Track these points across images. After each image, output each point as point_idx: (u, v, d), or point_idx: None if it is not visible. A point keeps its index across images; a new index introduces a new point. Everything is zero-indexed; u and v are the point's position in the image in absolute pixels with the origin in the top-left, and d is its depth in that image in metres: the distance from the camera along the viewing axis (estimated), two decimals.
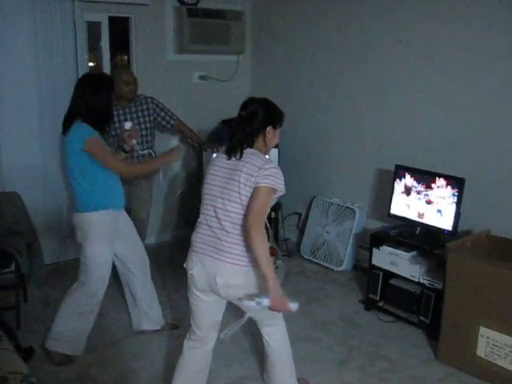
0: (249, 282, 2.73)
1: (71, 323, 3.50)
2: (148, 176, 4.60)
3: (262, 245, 2.57)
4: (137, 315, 3.93)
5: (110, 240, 3.52)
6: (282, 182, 2.69)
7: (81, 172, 3.35)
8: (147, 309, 3.90)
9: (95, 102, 3.31)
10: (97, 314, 3.61)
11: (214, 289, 2.75)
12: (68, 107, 3.41)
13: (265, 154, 2.80)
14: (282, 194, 2.71)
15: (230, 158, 2.73)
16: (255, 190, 2.62)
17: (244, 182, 2.63)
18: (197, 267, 2.77)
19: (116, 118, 4.55)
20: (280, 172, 2.69)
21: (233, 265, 2.68)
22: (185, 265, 2.86)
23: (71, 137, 3.30)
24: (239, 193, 2.64)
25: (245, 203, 2.64)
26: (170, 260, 5.42)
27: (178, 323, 4.03)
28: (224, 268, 2.69)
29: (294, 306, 2.73)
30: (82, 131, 3.29)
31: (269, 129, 2.75)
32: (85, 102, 3.31)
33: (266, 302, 2.61)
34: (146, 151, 4.36)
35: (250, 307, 2.67)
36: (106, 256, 3.50)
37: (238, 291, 2.73)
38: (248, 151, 2.71)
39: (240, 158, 2.69)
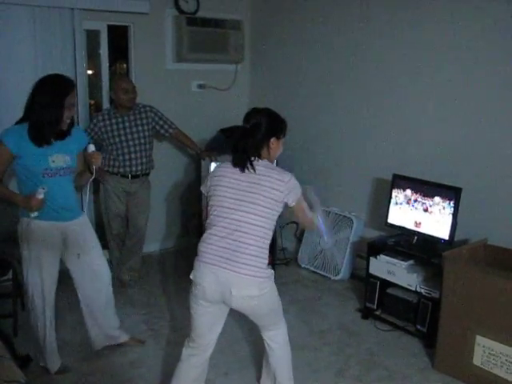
0: (263, 293, 2.75)
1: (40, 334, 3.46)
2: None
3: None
4: (95, 334, 3.74)
5: (42, 249, 3.31)
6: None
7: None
8: (103, 327, 3.74)
9: (37, 102, 3.14)
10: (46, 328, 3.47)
11: (227, 300, 2.75)
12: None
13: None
14: None
15: (243, 171, 2.74)
16: (295, 207, 2.80)
17: (269, 195, 2.70)
18: (209, 279, 2.74)
19: (115, 126, 4.58)
20: (294, 177, 2.80)
21: (249, 276, 2.69)
22: (191, 276, 2.83)
23: None
24: (264, 206, 2.69)
25: (268, 215, 2.71)
26: (173, 268, 5.42)
27: (175, 332, 4.02)
28: (240, 280, 2.70)
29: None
30: (4, 132, 3.19)
31: (272, 140, 2.81)
32: (29, 102, 3.19)
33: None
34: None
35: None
36: (35, 267, 3.32)
37: (251, 301, 2.76)
38: (260, 163, 2.75)
39: (254, 171, 2.73)
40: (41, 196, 3.12)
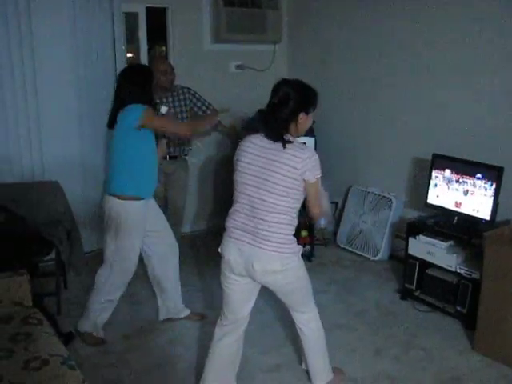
0: (287, 268, 2.75)
1: (97, 306, 3.63)
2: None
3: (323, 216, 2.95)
4: (161, 304, 3.97)
5: (138, 230, 3.55)
6: (319, 164, 2.72)
7: (124, 154, 3.44)
8: (170, 298, 3.95)
9: (138, 91, 3.44)
10: (118, 298, 3.70)
11: (251, 274, 2.78)
12: (113, 102, 3.55)
13: (298, 136, 2.76)
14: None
15: (273, 143, 2.66)
16: (309, 185, 2.67)
17: (287, 174, 2.63)
18: (234, 253, 2.79)
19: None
20: (316, 156, 2.69)
21: (271, 252, 2.70)
22: (219, 249, 2.89)
23: (122, 119, 3.40)
24: (281, 185, 2.64)
25: (286, 194, 2.65)
26: (205, 249, 5.48)
27: (211, 311, 4.06)
28: (262, 255, 2.71)
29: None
30: (135, 109, 3.36)
31: (301, 115, 2.69)
32: (130, 94, 3.42)
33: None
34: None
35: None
36: (132, 248, 3.55)
37: (274, 276, 2.76)
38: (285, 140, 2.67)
39: (284, 147, 2.64)
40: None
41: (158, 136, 3.65)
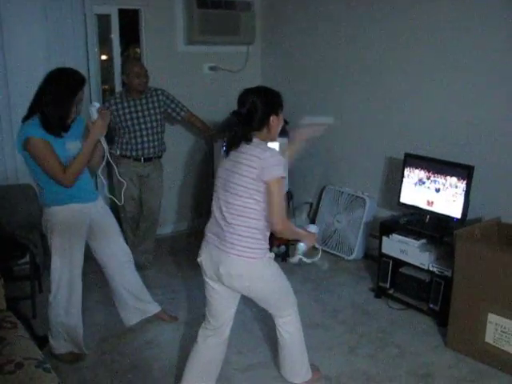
0: (251, 273, 2.77)
1: (60, 319, 3.47)
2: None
3: (290, 235, 2.93)
4: (125, 311, 3.86)
5: (73, 236, 3.37)
6: (283, 166, 2.67)
7: (32, 168, 3.25)
8: (136, 303, 3.85)
9: (48, 96, 3.14)
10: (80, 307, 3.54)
11: (220, 278, 2.79)
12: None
13: (271, 141, 2.79)
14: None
15: (229, 151, 2.73)
16: (267, 187, 2.63)
17: (246, 174, 2.64)
18: (205, 255, 2.84)
19: (127, 110, 4.61)
20: (279, 156, 2.67)
21: (234, 256, 2.71)
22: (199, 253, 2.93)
23: (18, 133, 3.18)
24: (241, 185, 2.66)
25: (247, 195, 2.66)
26: (186, 250, 5.48)
27: (188, 313, 4.08)
28: (226, 258, 2.73)
29: (313, 228, 3.14)
30: (25, 129, 3.13)
31: (272, 118, 2.73)
32: (39, 95, 3.18)
33: (303, 246, 3.07)
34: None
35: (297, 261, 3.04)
36: (64, 252, 3.36)
37: (240, 281, 2.77)
38: (252, 143, 2.68)
39: (237, 148, 2.69)
40: (94, 114, 3.24)
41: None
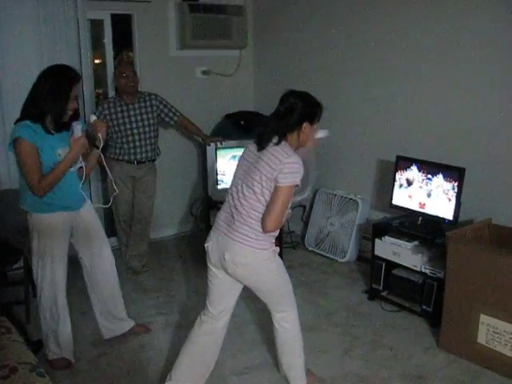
0: (256, 263, 2.82)
1: (48, 326, 3.45)
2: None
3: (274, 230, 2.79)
4: (102, 321, 3.79)
5: (54, 241, 3.34)
6: (301, 175, 2.73)
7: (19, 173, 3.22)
8: (110, 320, 3.80)
9: (44, 92, 3.12)
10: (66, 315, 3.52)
11: (223, 265, 2.84)
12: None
13: (299, 148, 2.82)
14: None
15: (260, 150, 2.77)
16: (277, 189, 2.69)
17: (265, 173, 2.70)
18: (212, 241, 2.89)
19: (120, 115, 4.62)
20: (301, 165, 2.71)
21: (241, 244, 2.77)
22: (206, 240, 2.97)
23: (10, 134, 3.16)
24: (259, 182, 2.72)
25: (261, 192, 2.72)
26: (181, 253, 5.51)
27: (184, 316, 4.08)
28: (233, 246, 2.78)
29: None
30: (19, 130, 3.10)
31: (305, 124, 2.79)
32: (34, 93, 3.17)
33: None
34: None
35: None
36: (46, 258, 3.34)
37: (243, 270, 2.82)
38: (279, 145, 2.74)
39: (264, 148, 2.75)
40: (78, 131, 3.19)
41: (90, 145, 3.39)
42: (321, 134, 3.19)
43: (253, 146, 2.86)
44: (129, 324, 3.88)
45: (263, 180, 2.71)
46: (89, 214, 3.54)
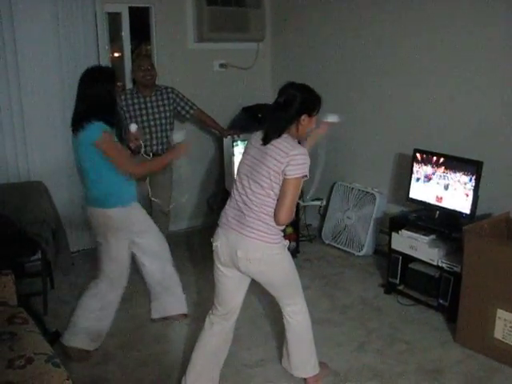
0: (269, 257, 2.82)
1: (91, 319, 3.52)
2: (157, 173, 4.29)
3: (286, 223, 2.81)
4: (155, 305, 3.99)
5: (126, 235, 3.51)
6: (308, 166, 2.74)
7: (94, 171, 3.33)
8: (168, 297, 3.95)
9: (94, 93, 3.26)
10: (116, 308, 3.64)
11: (234, 262, 2.84)
12: (74, 105, 3.38)
13: (297, 139, 2.82)
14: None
15: (265, 144, 2.77)
16: (286, 181, 2.70)
17: (272, 167, 2.71)
18: (221, 240, 2.87)
19: (137, 107, 4.64)
20: (307, 156, 2.74)
21: (254, 239, 2.77)
22: (212, 239, 2.95)
23: (83, 136, 3.25)
24: (266, 177, 2.72)
25: (269, 187, 2.72)
26: (198, 246, 5.53)
27: (199, 309, 4.10)
28: (245, 242, 2.78)
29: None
30: (94, 129, 3.22)
31: (303, 117, 2.78)
32: (86, 96, 3.29)
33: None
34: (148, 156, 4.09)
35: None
36: (122, 252, 3.52)
37: (257, 265, 2.82)
38: (281, 138, 2.75)
39: (269, 142, 2.75)
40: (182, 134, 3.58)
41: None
42: (331, 118, 3.19)
43: (255, 140, 2.85)
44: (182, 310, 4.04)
45: (271, 174, 2.71)
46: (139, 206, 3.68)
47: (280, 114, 2.76)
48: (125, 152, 3.43)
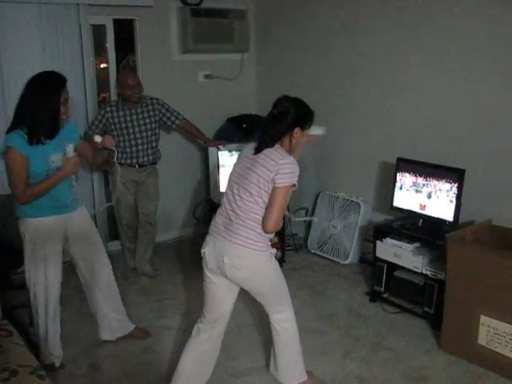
0: (255, 265, 2.85)
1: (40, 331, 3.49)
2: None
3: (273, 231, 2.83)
4: (102, 325, 3.82)
5: (47, 246, 3.36)
6: (297, 176, 2.78)
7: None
8: (110, 318, 3.81)
9: (34, 101, 3.13)
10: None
11: (221, 269, 2.85)
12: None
13: (289, 152, 2.84)
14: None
15: (256, 153, 2.82)
16: (274, 190, 2.73)
17: (261, 174, 2.74)
18: (208, 247, 2.90)
19: (122, 119, 4.65)
20: (296, 165, 2.77)
21: (240, 246, 2.79)
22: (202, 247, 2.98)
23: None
24: (256, 184, 2.76)
25: (258, 194, 2.76)
26: (184, 256, 5.54)
27: (186, 319, 4.10)
28: (232, 248, 2.80)
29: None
30: (6, 139, 3.14)
31: (297, 129, 2.84)
32: (24, 103, 3.17)
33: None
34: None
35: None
36: (39, 263, 3.38)
37: (243, 272, 2.84)
38: (274, 148, 2.80)
39: (260, 151, 2.80)
40: (71, 151, 3.24)
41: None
42: (317, 130, 3.21)
43: (247, 150, 2.90)
44: (129, 326, 3.89)
45: (260, 182, 2.74)
46: (81, 218, 3.55)
47: (274, 125, 2.82)
48: (24, 173, 3.16)
